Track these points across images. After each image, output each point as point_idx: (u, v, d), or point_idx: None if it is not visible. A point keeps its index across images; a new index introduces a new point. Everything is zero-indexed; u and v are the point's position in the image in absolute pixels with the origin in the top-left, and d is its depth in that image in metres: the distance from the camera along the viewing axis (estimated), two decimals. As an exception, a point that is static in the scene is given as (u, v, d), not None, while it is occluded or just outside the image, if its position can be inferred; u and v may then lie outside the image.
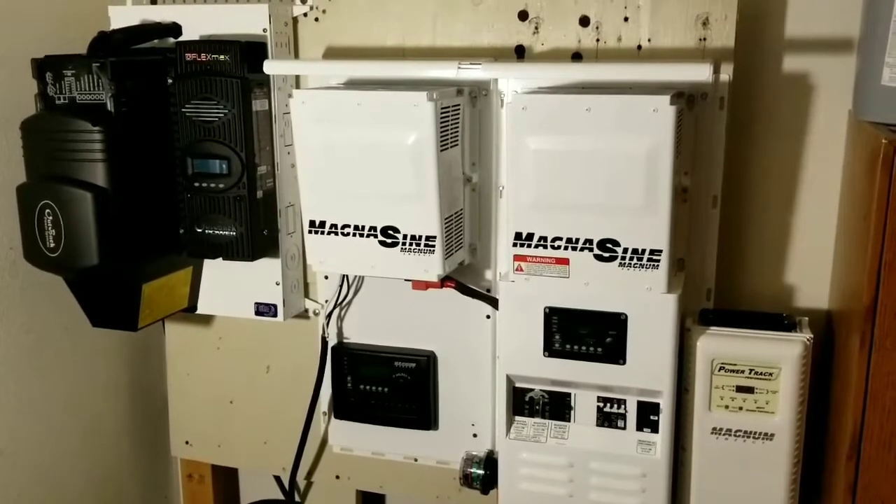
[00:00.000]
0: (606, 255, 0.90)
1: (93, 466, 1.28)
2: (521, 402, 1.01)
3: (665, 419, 0.95)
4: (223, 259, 1.06)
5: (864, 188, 0.85)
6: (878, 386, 0.80)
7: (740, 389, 0.93)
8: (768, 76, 1.04)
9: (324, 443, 1.22)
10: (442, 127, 0.93)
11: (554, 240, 0.91)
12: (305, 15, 1.11)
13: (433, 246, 0.95)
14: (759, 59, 1.03)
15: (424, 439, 1.14)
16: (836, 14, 1.00)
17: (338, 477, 1.24)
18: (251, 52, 1.03)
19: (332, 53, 1.11)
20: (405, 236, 0.96)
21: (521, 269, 0.94)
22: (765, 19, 1.02)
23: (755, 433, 0.94)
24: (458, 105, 0.97)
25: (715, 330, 0.94)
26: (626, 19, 0.99)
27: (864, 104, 0.89)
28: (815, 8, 1.01)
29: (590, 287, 0.92)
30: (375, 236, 0.97)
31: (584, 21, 1.01)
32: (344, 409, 1.15)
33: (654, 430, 0.96)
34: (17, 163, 1.03)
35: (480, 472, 1.06)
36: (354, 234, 0.98)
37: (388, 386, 1.12)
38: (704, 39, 0.97)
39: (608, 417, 0.98)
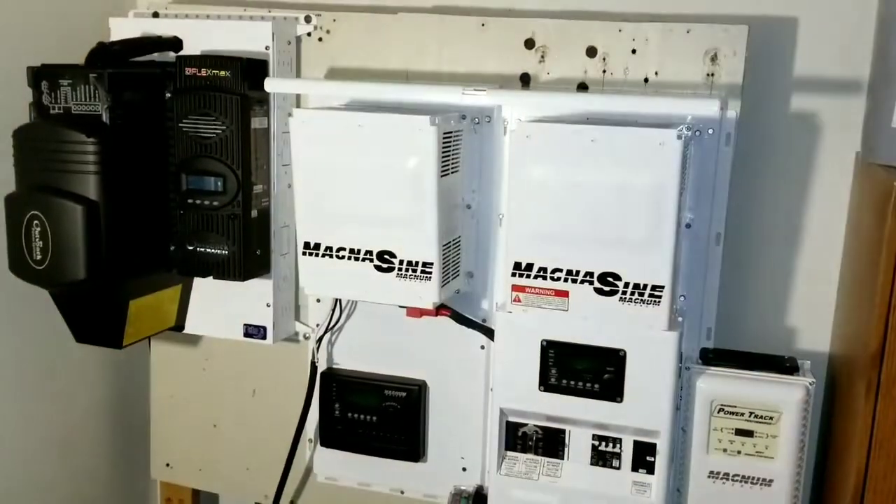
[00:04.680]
0: (607, 289, 0.88)
1: (70, 485, 1.24)
2: (514, 437, 0.98)
3: (662, 460, 0.92)
4: (214, 278, 1.04)
5: (872, 231, 0.83)
6: (885, 434, 0.78)
7: (739, 432, 0.91)
8: (775, 114, 1.03)
9: (308, 471, 1.19)
10: (443, 152, 0.92)
11: (554, 271, 0.89)
12: (309, 34, 1.09)
13: (430, 273, 0.93)
14: (767, 97, 1.02)
15: (412, 471, 1.11)
16: (845, 55, 0.99)
17: (321, 507, 1.21)
18: (252, 69, 1.02)
19: (335, 74, 1.09)
20: (401, 262, 0.94)
21: (519, 300, 0.92)
22: (774, 57, 1.01)
23: (753, 478, 0.92)
24: (461, 131, 0.96)
25: (715, 370, 0.93)
26: (633, 51, 0.98)
27: (874, 146, 0.88)
28: (825, 48, 1.00)
29: (589, 321, 0.90)
30: (371, 261, 0.95)
31: (592, 51, 1.00)
32: (330, 437, 1.12)
33: (650, 471, 0.94)
34: (6, 172, 1.01)
35: (469, 508, 1.04)
36: (349, 258, 0.96)
37: (376, 415, 1.09)
38: (712, 75, 0.96)
39: (603, 456, 0.95)
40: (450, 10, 1.08)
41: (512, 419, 0.98)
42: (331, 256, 0.97)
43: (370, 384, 1.09)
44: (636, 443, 0.94)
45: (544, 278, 0.90)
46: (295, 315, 1.16)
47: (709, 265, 0.98)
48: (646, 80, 0.98)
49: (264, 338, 1.11)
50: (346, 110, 1.00)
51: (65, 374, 1.21)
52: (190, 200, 1.02)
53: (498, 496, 0.98)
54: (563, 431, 0.96)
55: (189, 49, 1.07)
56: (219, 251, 1.02)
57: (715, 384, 0.91)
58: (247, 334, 1.12)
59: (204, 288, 1.13)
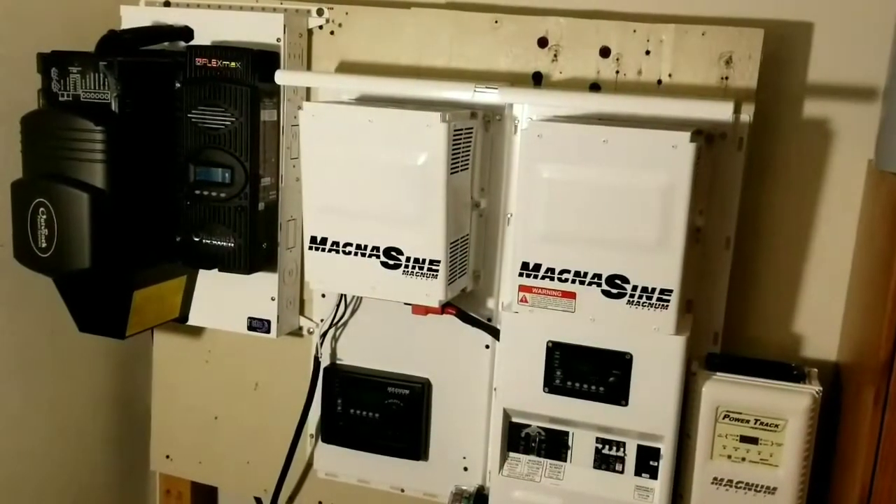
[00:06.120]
0: (615, 291, 0.87)
1: (70, 475, 1.24)
2: (517, 438, 0.97)
3: (665, 465, 0.92)
4: (219, 270, 1.03)
5: (883, 240, 0.82)
6: (891, 446, 0.77)
7: (744, 439, 0.91)
8: (788, 119, 1.02)
9: (308, 467, 1.19)
10: (453, 150, 0.91)
11: (561, 272, 0.89)
12: (321, 27, 1.09)
13: (436, 270, 0.93)
14: (780, 102, 1.01)
15: (413, 470, 1.10)
16: (861, 61, 0.98)
17: (321, 503, 1.20)
18: (263, 60, 1.01)
19: (346, 68, 1.09)
20: (408, 259, 0.93)
21: (526, 301, 0.91)
22: (788, 62, 1.00)
23: (757, 486, 0.91)
24: (471, 128, 0.95)
25: (721, 376, 0.92)
26: (647, 52, 0.97)
27: (887, 154, 0.87)
28: (840, 54, 0.99)
29: (595, 323, 0.89)
30: (378, 257, 0.94)
31: (605, 52, 0.99)
32: (332, 433, 1.11)
33: (653, 476, 0.93)
34: (14, 158, 1.00)
35: (469, 508, 1.03)
36: (356, 254, 0.95)
37: (379, 412, 1.08)
38: (727, 78, 0.95)
39: (606, 460, 0.95)
40: (463, 7, 1.07)
41: (515, 420, 0.97)
42: (337, 252, 0.96)
43: (373, 381, 1.08)
44: (640, 447, 0.93)
45: (552, 279, 0.89)
46: (299, 309, 1.15)
47: (717, 270, 0.97)
48: (659, 81, 0.98)
49: (268, 331, 1.11)
50: (356, 105, 0.99)
51: (67, 363, 1.20)
52: (197, 191, 1.02)
53: (499, 497, 0.98)
54: (566, 434, 0.96)
55: (200, 39, 1.06)
56: (225, 243, 1.02)
57: (721, 390, 0.90)
58: (250, 327, 1.11)
59: (209, 280, 1.12)
